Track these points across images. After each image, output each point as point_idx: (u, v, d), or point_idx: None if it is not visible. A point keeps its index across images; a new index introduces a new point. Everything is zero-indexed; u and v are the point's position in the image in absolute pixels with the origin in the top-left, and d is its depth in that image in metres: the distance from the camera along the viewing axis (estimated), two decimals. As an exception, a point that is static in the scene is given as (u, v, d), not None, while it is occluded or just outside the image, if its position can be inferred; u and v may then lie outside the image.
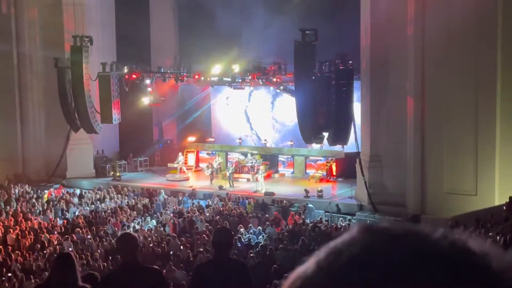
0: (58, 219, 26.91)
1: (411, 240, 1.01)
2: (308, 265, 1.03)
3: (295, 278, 1.04)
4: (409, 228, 1.04)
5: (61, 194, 31.15)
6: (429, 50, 26.00)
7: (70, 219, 26.43)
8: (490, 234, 17.07)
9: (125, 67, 35.04)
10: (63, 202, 29.26)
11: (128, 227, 24.65)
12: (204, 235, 22.07)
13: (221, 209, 27.21)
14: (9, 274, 17.13)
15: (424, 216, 25.29)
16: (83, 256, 19.56)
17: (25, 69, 35.98)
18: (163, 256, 19.88)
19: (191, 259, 18.81)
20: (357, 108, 29.99)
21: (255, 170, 33.11)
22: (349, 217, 26.59)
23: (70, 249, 20.49)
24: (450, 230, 1.05)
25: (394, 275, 0.96)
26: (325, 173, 33.62)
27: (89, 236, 22.88)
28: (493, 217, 20.49)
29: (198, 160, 36.97)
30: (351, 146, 30.28)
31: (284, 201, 28.47)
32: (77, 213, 27.73)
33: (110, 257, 19.17)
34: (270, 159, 35.51)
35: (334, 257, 1.01)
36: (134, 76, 35.35)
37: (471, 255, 0.99)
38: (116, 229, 24.38)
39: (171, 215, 26.43)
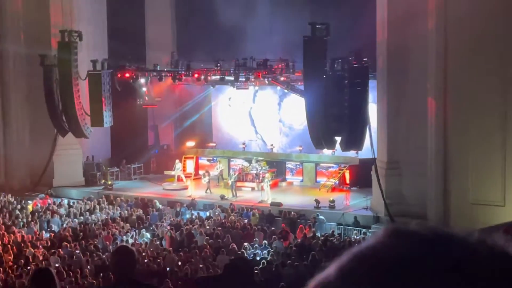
0: (43, 232, 26.88)
1: (445, 244, 0.99)
2: (329, 272, 1.03)
3: (316, 286, 1.03)
4: (442, 231, 1.01)
5: (47, 205, 31.11)
6: (452, 45, 25.95)
7: (57, 232, 26.40)
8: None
9: (118, 65, 35.06)
10: (49, 214, 29.23)
11: (121, 240, 24.63)
12: (205, 250, 22.05)
13: (223, 221, 27.18)
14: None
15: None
16: (71, 273, 19.52)
17: (8, 68, 36.04)
18: (159, 273, 19.84)
19: (190, 276, 18.78)
20: (372, 109, 29.94)
21: (261, 178, 33.06)
22: (364, 230, 26.53)
23: (56, 265, 20.48)
24: (487, 234, 1.03)
25: (426, 282, 0.94)
26: (337, 182, 33.55)
27: (77, 251, 22.84)
28: (524, 230, 20.41)
29: (197, 167, 36.97)
30: (366, 151, 30.20)
31: (292, 213, 28.42)
32: (64, 225, 27.70)
33: (101, 274, 19.13)
34: (277, 166, 35.47)
35: (358, 262, 1.00)
36: (127, 74, 35.40)
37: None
38: (108, 243, 24.36)
39: (168, 227, 26.39)
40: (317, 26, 28.11)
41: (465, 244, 1.00)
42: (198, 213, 29.21)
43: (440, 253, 0.97)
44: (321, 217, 27.68)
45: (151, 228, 27.25)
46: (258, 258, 21.77)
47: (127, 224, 27.50)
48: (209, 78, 34.91)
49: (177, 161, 35.71)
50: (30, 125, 36.18)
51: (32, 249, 23.19)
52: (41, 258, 22.17)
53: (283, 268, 19.31)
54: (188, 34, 37.98)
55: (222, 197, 31.71)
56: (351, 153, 32.63)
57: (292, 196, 32.21)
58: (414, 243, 1.00)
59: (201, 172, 35.32)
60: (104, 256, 21.74)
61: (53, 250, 22.90)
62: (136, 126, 38.88)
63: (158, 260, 21.21)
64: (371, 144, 29.04)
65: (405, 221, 26.93)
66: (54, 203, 31.67)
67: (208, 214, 28.96)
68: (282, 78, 33.60)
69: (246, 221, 27.40)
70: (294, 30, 30.93)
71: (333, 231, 26.00)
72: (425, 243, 0.99)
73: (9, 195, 32.62)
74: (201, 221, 27.45)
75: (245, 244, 23.31)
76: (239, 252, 22.11)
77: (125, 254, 6.01)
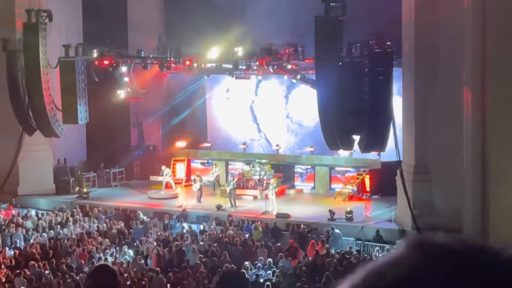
0: (6, 248, 26.90)
1: (478, 259, 0.98)
2: None
3: None
4: (475, 244, 1.01)
5: (11, 217, 31.14)
6: (492, 27, 25.91)
7: (23, 249, 26.41)
8: None
9: (95, 51, 35.06)
10: (13, 227, 29.24)
11: (99, 259, 24.64)
12: (199, 270, 22.02)
13: (220, 235, 27.17)
14: None
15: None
16: (40, 298, 19.53)
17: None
18: (143, 298, 19.85)
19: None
20: (397, 103, 29.93)
21: (264, 185, 33.06)
22: (387, 246, 26.53)
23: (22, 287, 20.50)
24: None
25: None
26: (355, 189, 33.54)
27: (47, 271, 22.85)
28: None
29: (189, 172, 36.99)
30: (389, 153, 30.17)
31: (302, 226, 28.42)
32: (31, 241, 27.71)
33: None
34: (283, 170, 35.48)
35: (374, 281, 0.99)
36: (106, 62, 35.37)
37: None
38: (83, 262, 24.36)
39: (155, 243, 26.40)
40: (331, 4, 28.10)
41: (502, 259, 0.99)
42: (190, 227, 29.20)
43: (472, 270, 0.96)
44: (337, 231, 27.66)
45: (135, 244, 27.24)
46: (261, 280, 21.77)
47: (106, 240, 27.49)
48: (203, 66, 34.90)
49: (163, 167, 35.68)
50: (-10, 122, 36.21)
51: (-7, 269, 23.19)
52: (3, 280, 22.16)
53: (291, 291, 19.32)
54: (178, 14, 37.96)
55: (219, 208, 31.70)
56: (372, 155, 32.60)
57: (302, 206, 32.20)
58: (441, 258, 0.99)
59: (192, 177, 35.32)
60: (78, 278, 21.72)
61: (18, 271, 22.87)
62: (117, 123, 38.87)
63: (143, 282, 21.20)
64: (396, 145, 29.01)
65: (431, 233, 26.88)
66: (19, 214, 31.67)
67: (202, 227, 28.95)
68: (289, 66, 33.59)
69: (247, 236, 27.38)
70: (304, 9, 30.91)
71: (350, 248, 25.97)
72: (455, 258, 0.99)
73: (-34, 205, 32.67)
74: (193, 236, 27.43)
75: (246, 263, 23.30)
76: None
77: (105, 274, 5.97)
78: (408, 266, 0.98)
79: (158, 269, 23.21)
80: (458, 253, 1.00)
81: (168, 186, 35.22)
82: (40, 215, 31.29)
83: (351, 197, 33.11)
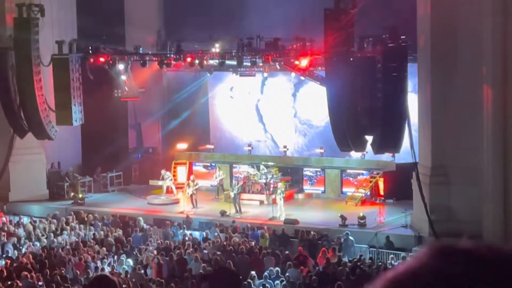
0: (-3, 258, 26.97)
1: (504, 265, 0.97)
2: None
3: None
4: (499, 250, 1.00)
5: (2, 224, 31.19)
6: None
7: (15, 259, 26.44)
8: None
9: (90, 47, 35.12)
10: (4, 236, 29.30)
11: (95, 269, 24.67)
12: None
13: (224, 243, 27.18)
14: None
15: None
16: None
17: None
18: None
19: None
20: (412, 101, 29.91)
21: (271, 189, 33.06)
22: (403, 253, 26.49)
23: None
24: None
25: None
26: (368, 193, 33.53)
27: (40, 283, 22.88)
28: None
29: (191, 175, 36.97)
30: (404, 154, 30.15)
31: (312, 232, 28.41)
32: (24, 250, 27.74)
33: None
34: (291, 173, 35.48)
35: None
36: (102, 59, 35.41)
37: None
38: (79, 272, 24.37)
39: (155, 252, 26.42)
40: (341, -5, 28.14)
41: None
42: (190, 234, 29.19)
43: (499, 277, 0.95)
44: (351, 237, 27.65)
45: (134, 253, 27.27)
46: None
47: (103, 248, 27.51)
48: (205, 62, 34.91)
49: (163, 171, 35.72)
50: (-21, 124, 36.27)
51: (-17, 281, 23.24)
52: (-6, 291, 22.21)
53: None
54: (178, 7, 37.99)
55: (223, 213, 31.71)
56: (386, 157, 32.57)
57: (312, 212, 32.22)
58: (467, 264, 0.98)
59: (203, 180, 35.47)
60: (74, 289, 21.75)
61: (9, 282, 22.89)
62: (114, 124, 38.92)
63: (143, 294, 21.20)
64: (411, 145, 28.99)
65: (453, 239, 26.85)
66: (10, 222, 31.70)
67: (204, 234, 28.96)
68: (297, 62, 33.56)
69: (253, 243, 27.38)
70: (313, 1, 30.91)
71: (361, 256, 25.92)
72: (481, 264, 0.97)
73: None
74: (196, 243, 27.43)
75: (252, 272, 23.29)
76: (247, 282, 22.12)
77: (105, 286, 5.95)
78: (431, 274, 0.97)
79: (159, 279, 23.22)
80: (484, 260, 0.98)
81: (169, 191, 35.24)
82: (33, 223, 31.31)
83: (363, 202, 33.08)
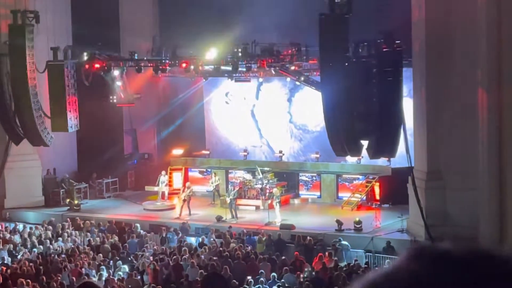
0: (-7, 265, 26.90)
1: (481, 268, 0.96)
2: None
3: None
4: (480, 252, 0.99)
5: (-3, 231, 31.16)
6: (508, 23, 25.90)
7: (10, 266, 26.39)
8: None
9: (85, 53, 35.08)
10: (0, 242, 29.25)
11: (92, 275, 24.62)
12: (198, 286, 22.01)
13: (220, 249, 27.15)
14: None
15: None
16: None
17: None
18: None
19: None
20: (408, 106, 29.93)
21: (267, 194, 33.04)
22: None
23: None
24: None
25: None
26: (364, 198, 33.52)
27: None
28: None
29: (186, 181, 36.94)
30: (400, 159, 30.16)
31: (308, 238, 28.40)
32: (19, 257, 27.69)
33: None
34: (287, 178, 35.46)
35: None
36: (97, 65, 35.38)
37: None
38: (75, 278, 24.31)
39: (151, 258, 26.38)
40: (336, 0, 28.13)
41: (509, 269, 0.97)
42: (185, 240, 29.16)
43: (475, 277, 0.94)
44: (345, 242, 27.64)
45: (130, 259, 27.23)
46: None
47: (99, 255, 27.47)
48: (200, 68, 34.89)
49: (162, 173, 35.71)
50: (-26, 131, 36.22)
51: (-22, 288, 23.20)
52: (-10, 299, 22.17)
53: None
54: (173, 13, 37.99)
55: (219, 219, 31.68)
56: (382, 161, 32.59)
57: (308, 217, 32.21)
58: (442, 267, 0.96)
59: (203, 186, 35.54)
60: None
61: (5, 289, 22.89)
62: (109, 130, 38.88)
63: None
64: (407, 150, 28.99)
65: (434, 241, 26.83)
66: (6, 229, 31.65)
67: (200, 240, 28.95)
68: (292, 67, 33.56)
69: (249, 248, 27.36)
70: (308, 6, 30.92)
71: (356, 260, 25.90)
72: (457, 265, 0.97)
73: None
74: (192, 249, 27.41)
75: (249, 278, 23.27)
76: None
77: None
78: (406, 277, 0.97)
79: (155, 285, 23.19)
80: (460, 261, 0.97)
81: (164, 197, 35.23)
82: (28, 229, 31.27)
83: (359, 207, 33.06)
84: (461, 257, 0.96)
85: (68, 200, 35.34)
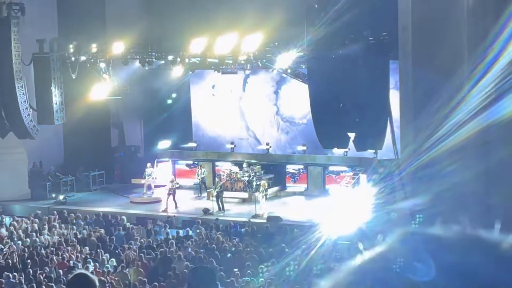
0: (-21, 259, 26.78)
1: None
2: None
3: None
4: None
5: (-16, 224, 31.04)
6: (490, 13, 25.91)
7: (-4, 259, 26.29)
8: None
9: (71, 46, 34.97)
10: (-14, 235, 29.15)
11: (78, 268, 24.51)
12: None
13: (207, 241, 27.10)
14: None
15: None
16: (15, 310, 19.43)
17: None
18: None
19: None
20: (395, 97, 29.91)
21: (254, 186, 33.00)
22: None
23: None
24: None
25: None
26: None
27: (23, 283, 22.72)
28: None
29: (174, 173, 36.89)
30: (387, 151, 30.15)
31: (295, 230, 28.37)
32: (5, 250, 27.58)
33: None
34: (274, 170, 35.45)
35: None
36: (83, 58, 35.27)
37: None
38: (61, 271, 24.24)
39: (138, 251, 26.31)
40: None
41: None
42: (177, 232, 29.12)
43: None
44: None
45: (117, 252, 27.14)
46: (252, 288, 21.70)
47: (86, 248, 27.40)
48: (186, 60, 34.77)
49: (148, 165, 35.62)
50: (-40, 124, 36.05)
51: (-36, 281, 23.07)
52: (-24, 292, 22.06)
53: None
54: (160, 5, 37.83)
55: (206, 211, 31.65)
56: (369, 153, 32.58)
57: (295, 209, 32.16)
58: None
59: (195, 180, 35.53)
60: (56, 289, 21.62)
61: (-9, 282, 22.77)
62: (96, 123, 38.70)
63: (126, 293, 21.10)
64: (393, 142, 29.00)
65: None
66: (-8, 222, 31.54)
67: (186, 232, 28.89)
68: (279, 59, 33.50)
69: (236, 240, 27.31)
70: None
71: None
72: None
73: None
74: (179, 242, 27.34)
75: (236, 270, 23.21)
76: (229, 280, 22.03)
77: (84, 284, 5.89)
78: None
79: (142, 278, 23.10)
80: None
81: (151, 188, 35.20)
82: (14, 222, 31.14)
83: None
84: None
85: (54, 193, 35.20)
